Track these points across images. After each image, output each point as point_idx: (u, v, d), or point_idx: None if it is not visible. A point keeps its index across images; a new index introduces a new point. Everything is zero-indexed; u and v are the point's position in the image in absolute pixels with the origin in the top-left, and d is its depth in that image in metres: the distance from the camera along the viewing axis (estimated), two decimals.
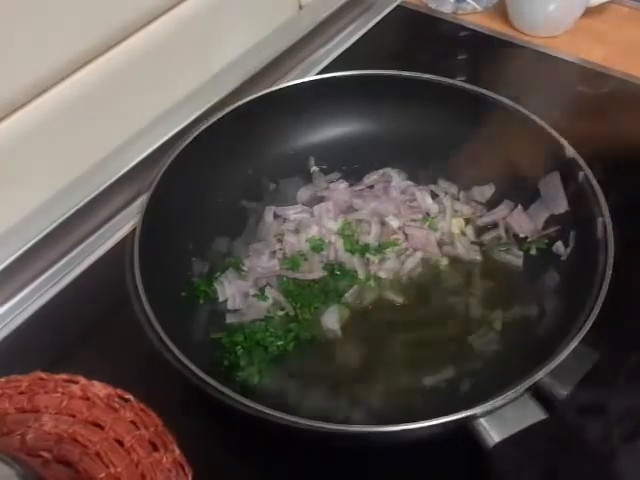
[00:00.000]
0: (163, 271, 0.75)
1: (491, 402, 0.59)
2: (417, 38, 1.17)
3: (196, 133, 0.84)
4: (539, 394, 0.61)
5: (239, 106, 0.87)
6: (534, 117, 0.81)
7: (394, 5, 1.21)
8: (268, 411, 0.60)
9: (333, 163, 0.92)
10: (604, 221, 0.72)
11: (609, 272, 0.67)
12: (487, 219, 0.85)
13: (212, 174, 0.86)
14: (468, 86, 0.87)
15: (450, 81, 0.87)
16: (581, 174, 0.77)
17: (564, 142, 0.79)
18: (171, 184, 0.80)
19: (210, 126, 0.85)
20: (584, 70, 1.05)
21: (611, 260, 0.68)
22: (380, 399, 0.71)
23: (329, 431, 0.60)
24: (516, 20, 1.13)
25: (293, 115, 0.91)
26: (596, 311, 0.63)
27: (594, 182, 0.75)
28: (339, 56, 1.12)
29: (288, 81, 0.92)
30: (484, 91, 0.85)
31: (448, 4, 1.18)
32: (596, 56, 1.06)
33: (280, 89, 0.90)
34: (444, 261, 0.82)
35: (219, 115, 0.86)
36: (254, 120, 0.88)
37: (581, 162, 0.77)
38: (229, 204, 0.88)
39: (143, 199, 0.77)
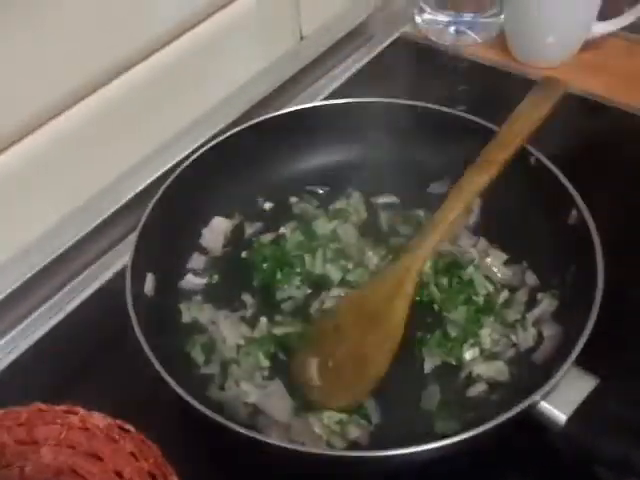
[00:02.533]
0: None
1: (548, 384, 0.60)
2: (417, 69, 1.18)
3: (184, 165, 0.84)
4: (535, 422, 0.61)
5: (228, 136, 0.88)
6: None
7: (395, 37, 1.22)
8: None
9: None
10: (579, 208, 0.74)
11: (600, 286, 0.67)
12: None
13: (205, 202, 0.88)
14: (465, 115, 0.88)
15: (446, 109, 0.89)
16: (532, 158, 0.81)
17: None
18: (161, 215, 0.80)
19: (197, 159, 0.85)
20: (583, 101, 1.05)
21: (601, 271, 0.68)
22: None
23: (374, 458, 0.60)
24: (516, 51, 1.15)
25: (287, 142, 0.92)
26: (587, 331, 0.63)
27: (547, 162, 0.80)
28: (340, 87, 1.13)
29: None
30: (480, 120, 0.86)
31: (448, 36, 1.19)
32: (595, 87, 1.07)
33: (277, 115, 0.91)
34: None
35: (205, 148, 0.86)
36: (244, 151, 0.89)
37: (530, 148, 0.81)
38: None
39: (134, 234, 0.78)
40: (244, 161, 0.90)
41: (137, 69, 0.89)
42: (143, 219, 0.78)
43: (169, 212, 0.81)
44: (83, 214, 0.88)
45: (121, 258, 0.88)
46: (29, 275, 0.83)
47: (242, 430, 0.59)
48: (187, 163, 0.84)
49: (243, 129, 0.89)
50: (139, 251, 0.75)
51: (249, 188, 0.91)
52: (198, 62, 0.97)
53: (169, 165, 0.93)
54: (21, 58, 0.75)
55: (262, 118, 0.90)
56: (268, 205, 0.92)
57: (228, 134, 0.88)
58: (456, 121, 0.88)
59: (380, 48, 1.20)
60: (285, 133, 0.91)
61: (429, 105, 0.89)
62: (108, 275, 0.88)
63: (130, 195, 0.91)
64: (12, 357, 0.80)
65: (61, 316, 0.84)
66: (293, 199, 0.92)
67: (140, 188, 0.92)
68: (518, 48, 1.14)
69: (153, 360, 0.64)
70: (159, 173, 0.93)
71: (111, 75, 0.86)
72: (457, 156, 0.85)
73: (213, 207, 0.88)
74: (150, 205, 0.79)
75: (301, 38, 1.14)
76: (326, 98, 1.10)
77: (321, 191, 0.93)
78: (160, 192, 0.80)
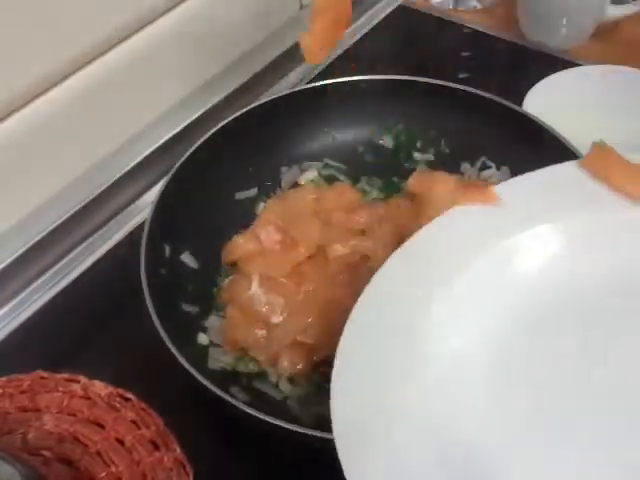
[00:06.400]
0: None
1: None
2: (419, 38, 1.17)
3: (212, 131, 0.82)
4: None
5: (251, 109, 0.85)
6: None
7: (396, 5, 1.21)
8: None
9: None
10: None
11: None
12: None
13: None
14: (470, 89, 0.85)
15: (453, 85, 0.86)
16: None
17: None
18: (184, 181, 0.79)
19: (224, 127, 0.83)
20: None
21: None
22: None
23: None
24: (528, 32, 1.12)
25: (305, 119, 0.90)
26: None
27: None
28: (340, 55, 1.12)
29: (290, 81, 0.91)
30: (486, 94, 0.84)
31: (449, 2, 1.19)
32: (598, 56, 1.06)
33: (302, 89, 0.88)
34: None
35: (233, 116, 0.84)
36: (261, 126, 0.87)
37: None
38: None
39: (154, 195, 0.76)
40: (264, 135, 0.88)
41: (136, 38, 0.88)
42: (156, 200, 0.76)
43: (185, 188, 0.79)
44: (79, 188, 0.88)
45: (121, 230, 0.89)
46: (31, 244, 0.83)
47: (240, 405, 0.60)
48: (204, 138, 0.81)
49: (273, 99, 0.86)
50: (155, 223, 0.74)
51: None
52: (197, 31, 0.96)
53: (167, 137, 0.93)
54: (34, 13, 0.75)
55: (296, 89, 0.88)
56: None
57: (252, 106, 0.85)
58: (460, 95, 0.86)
59: (381, 16, 1.19)
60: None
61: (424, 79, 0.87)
62: (109, 245, 0.88)
63: (130, 166, 0.91)
64: (14, 325, 0.80)
65: (62, 285, 0.84)
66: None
67: (139, 159, 0.92)
68: (530, 30, 1.11)
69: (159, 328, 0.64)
70: (159, 144, 0.93)
71: (111, 43, 0.85)
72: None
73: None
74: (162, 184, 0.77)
75: (301, 7, 1.13)
76: (327, 68, 1.09)
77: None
78: (174, 169, 0.78)
